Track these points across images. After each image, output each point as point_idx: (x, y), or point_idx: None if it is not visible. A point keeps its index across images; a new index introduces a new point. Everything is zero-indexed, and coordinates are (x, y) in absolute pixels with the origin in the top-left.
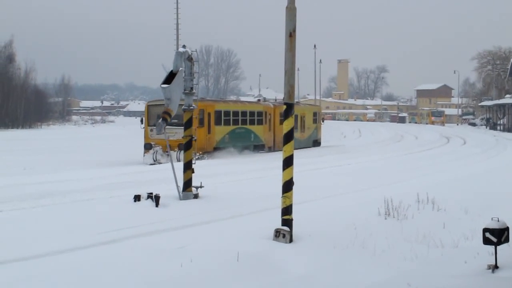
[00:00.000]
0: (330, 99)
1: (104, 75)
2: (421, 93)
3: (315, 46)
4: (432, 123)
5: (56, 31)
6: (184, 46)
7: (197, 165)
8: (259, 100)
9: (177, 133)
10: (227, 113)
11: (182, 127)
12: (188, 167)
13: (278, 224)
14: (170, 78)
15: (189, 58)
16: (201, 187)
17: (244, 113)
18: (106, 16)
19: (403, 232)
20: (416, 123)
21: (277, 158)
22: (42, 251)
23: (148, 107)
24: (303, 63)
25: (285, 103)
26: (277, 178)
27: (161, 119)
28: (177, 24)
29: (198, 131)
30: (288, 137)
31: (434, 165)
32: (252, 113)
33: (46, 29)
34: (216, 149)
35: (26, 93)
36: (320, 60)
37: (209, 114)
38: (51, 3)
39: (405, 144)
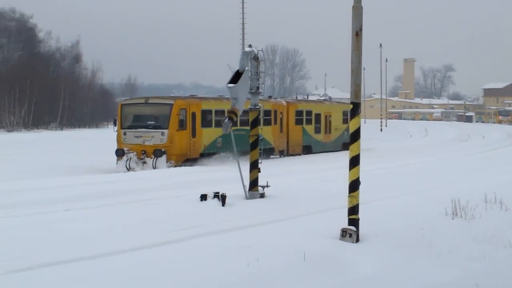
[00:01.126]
0: (396, 98)
1: (170, 75)
2: (488, 92)
3: (381, 45)
4: (500, 122)
5: (122, 31)
6: (250, 46)
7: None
8: (270, 96)
9: (154, 137)
10: (219, 113)
11: (160, 130)
12: (254, 166)
13: (344, 223)
14: (236, 77)
15: (255, 58)
16: (267, 186)
17: (244, 113)
18: (171, 16)
19: (471, 232)
20: (483, 122)
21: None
22: (112, 249)
23: (122, 106)
24: (369, 62)
25: (351, 103)
26: (338, 178)
27: (227, 118)
28: (243, 23)
29: (178, 135)
30: (355, 136)
31: (502, 164)
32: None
33: (112, 29)
34: (203, 155)
35: (92, 93)
36: (386, 59)
37: (193, 115)
38: (117, 4)
39: (472, 143)
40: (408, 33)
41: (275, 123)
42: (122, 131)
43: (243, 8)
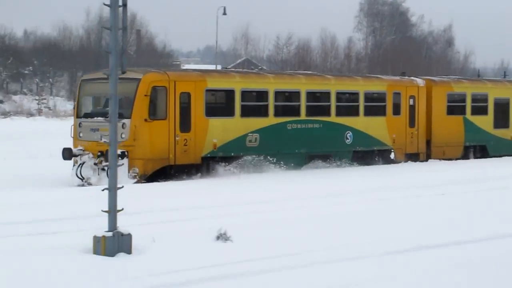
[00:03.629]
0: None
1: None
2: None
3: None
4: None
5: (497, 14)
6: None
7: None
8: (403, 73)
9: None
10: (254, 96)
11: (120, 121)
12: None
13: None
14: None
15: None
16: None
17: (319, 95)
18: None
19: None
20: None
21: None
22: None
23: (81, 84)
24: None
25: None
26: None
27: None
28: None
29: (147, 128)
30: None
31: None
32: (348, 96)
33: (486, 12)
34: (212, 160)
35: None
36: None
37: (185, 97)
38: None
39: None
40: None
41: (397, 112)
42: (78, 121)
43: None
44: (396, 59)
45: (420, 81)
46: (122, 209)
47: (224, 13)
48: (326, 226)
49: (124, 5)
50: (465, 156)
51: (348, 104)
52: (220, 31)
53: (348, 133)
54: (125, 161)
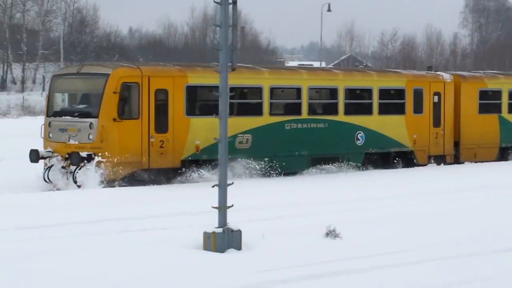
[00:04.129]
0: None
1: None
2: None
3: None
4: None
5: None
6: None
7: None
8: (429, 67)
9: (81, 132)
10: (245, 93)
11: (87, 120)
12: None
13: None
14: None
15: None
16: None
17: (325, 92)
18: None
19: None
20: None
21: None
22: None
23: (53, 79)
24: None
25: None
26: None
27: None
28: None
29: (116, 128)
30: None
31: None
32: (360, 92)
33: None
34: (193, 162)
35: None
36: None
37: (160, 94)
38: None
39: None
40: None
41: (418, 110)
42: (48, 120)
43: None
44: (503, 55)
45: (447, 76)
46: (232, 206)
47: (329, 10)
48: (429, 223)
49: (234, 2)
50: (501, 159)
51: (359, 101)
52: (324, 27)
53: (359, 133)
54: (93, 164)
